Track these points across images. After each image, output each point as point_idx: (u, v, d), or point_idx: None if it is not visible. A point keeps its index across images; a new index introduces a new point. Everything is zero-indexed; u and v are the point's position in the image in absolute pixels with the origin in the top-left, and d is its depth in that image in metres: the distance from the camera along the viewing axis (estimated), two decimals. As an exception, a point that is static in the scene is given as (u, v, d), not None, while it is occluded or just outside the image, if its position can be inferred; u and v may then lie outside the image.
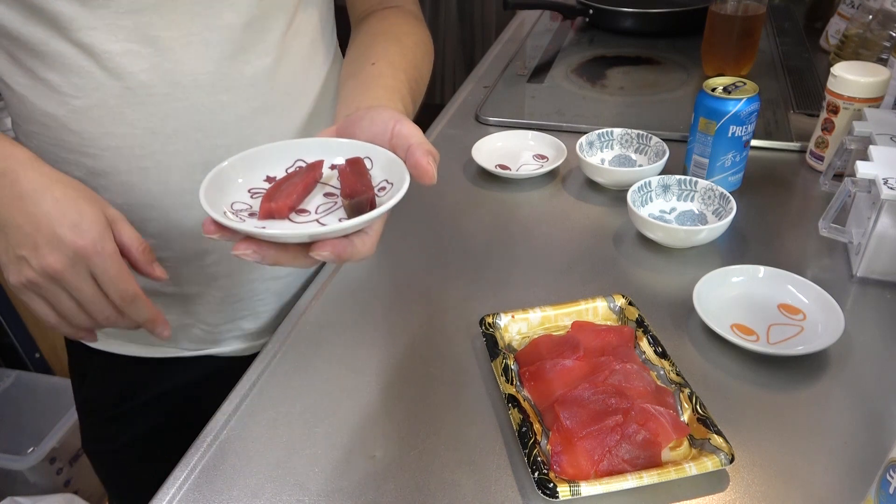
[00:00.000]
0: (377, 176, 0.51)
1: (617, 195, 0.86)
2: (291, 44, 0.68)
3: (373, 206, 0.47)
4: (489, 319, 0.64)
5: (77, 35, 0.57)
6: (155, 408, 0.82)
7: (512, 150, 0.95)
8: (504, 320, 0.64)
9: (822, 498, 0.51)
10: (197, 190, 0.46)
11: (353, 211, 0.47)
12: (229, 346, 0.80)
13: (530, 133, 0.97)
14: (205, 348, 0.79)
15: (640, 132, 0.90)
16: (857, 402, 0.58)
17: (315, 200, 0.51)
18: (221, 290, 0.74)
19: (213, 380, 0.72)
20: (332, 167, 0.53)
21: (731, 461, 0.50)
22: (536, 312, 0.65)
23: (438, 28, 2.54)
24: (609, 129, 0.92)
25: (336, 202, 0.50)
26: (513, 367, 0.60)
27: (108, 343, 0.79)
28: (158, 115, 0.61)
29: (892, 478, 0.43)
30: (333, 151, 0.53)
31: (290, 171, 0.52)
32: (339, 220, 0.48)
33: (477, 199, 0.87)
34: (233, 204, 0.49)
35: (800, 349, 0.61)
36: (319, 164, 0.52)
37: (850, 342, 0.63)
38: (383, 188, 0.50)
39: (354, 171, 0.50)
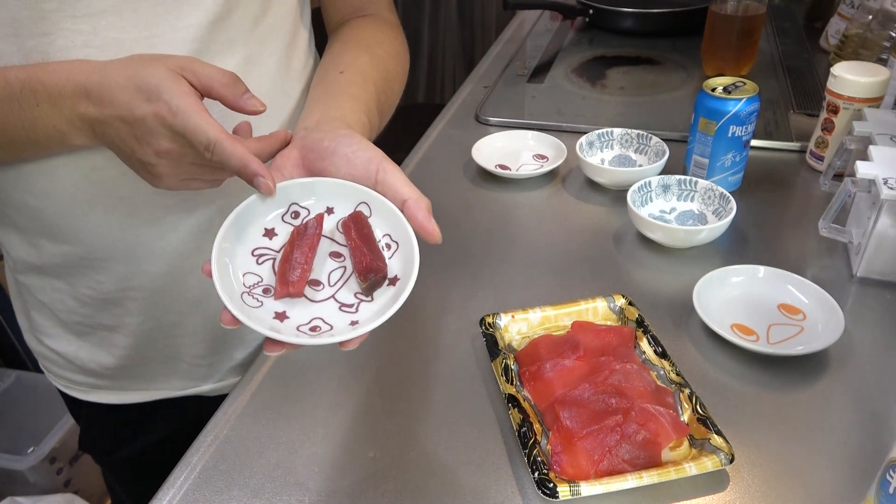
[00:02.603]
0: (378, 228, 0.50)
1: (617, 195, 0.86)
2: (264, 43, 0.65)
3: (385, 277, 0.48)
4: (489, 319, 0.64)
5: (29, 41, 0.53)
6: (153, 455, 0.80)
7: (512, 150, 0.95)
8: (504, 320, 0.64)
9: (822, 498, 0.51)
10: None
11: (370, 290, 0.48)
12: (222, 381, 0.78)
13: (530, 133, 0.97)
14: (195, 385, 0.77)
15: (640, 132, 0.90)
16: (857, 402, 0.58)
17: (325, 265, 0.50)
18: (203, 316, 0.71)
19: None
20: (329, 210, 0.52)
21: (731, 461, 0.50)
22: (536, 312, 0.65)
23: (438, 28, 2.54)
24: (609, 129, 0.92)
25: (345, 267, 0.50)
26: (513, 367, 0.60)
27: (91, 393, 0.77)
28: None
29: (892, 478, 0.43)
30: (330, 194, 0.52)
31: (284, 217, 0.51)
32: (355, 294, 0.48)
33: (477, 199, 0.87)
34: (245, 276, 0.48)
35: (800, 349, 0.61)
36: (321, 220, 0.51)
37: (850, 342, 0.63)
38: (388, 245, 0.50)
39: (361, 235, 0.49)
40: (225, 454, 0.56)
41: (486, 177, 0.91)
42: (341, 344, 0.44)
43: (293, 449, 0.56)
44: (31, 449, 1.43)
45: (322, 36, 0.76)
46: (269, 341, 0.44)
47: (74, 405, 0.80)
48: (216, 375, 0.78)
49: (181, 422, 0.78)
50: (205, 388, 0.78)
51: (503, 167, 0.91)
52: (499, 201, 0.87)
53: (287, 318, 0.47)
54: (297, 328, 0.46)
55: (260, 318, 0.46)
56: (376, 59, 0.67)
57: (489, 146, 0.94)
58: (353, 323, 0.46)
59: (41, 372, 0.81)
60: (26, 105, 0.50)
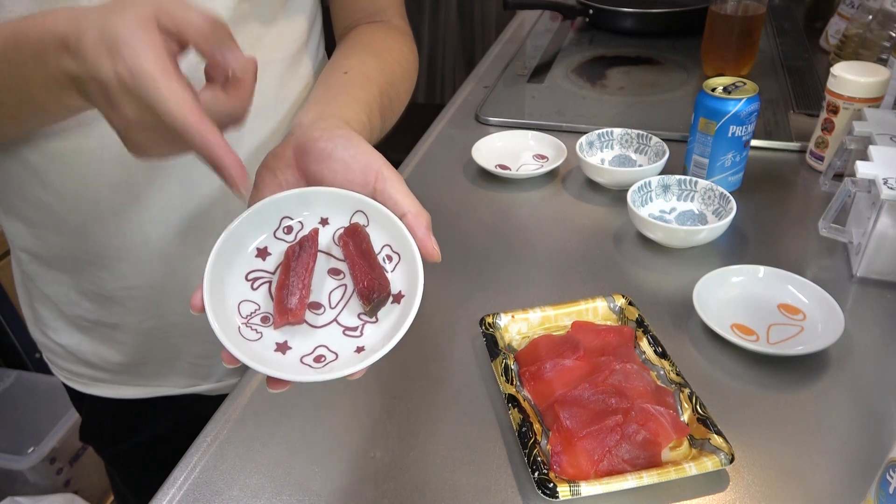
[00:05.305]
0: (377, 238, 0.47)
1: (617, 195, 0.86)
2: (273, 49, 0.65)
3: (389, 295, 0.45)
4: (489, 319, 0.64)
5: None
6: (154, 449, 0.80)
7: (512, 150, 0.95)
8: (504, 320, 0.64)
9: (821, 498, 0.51)
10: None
11: (374, 310, 0.45)
12: (222, 381, 0.78)
13: (530, 133, 0.97)
14: (195, 384, 0.77)
15: (640, 132, 0.90)
16: (857, 402, 0.58)
17: (325, 284, 0.47)
18: (203, 317, 0.70)
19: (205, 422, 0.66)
20: (323, 221, 0.49)
21: (731, 461, 0.50)
22: (536, 312, 0.65)
23: (438, 28, 2.54)
24: (609, 129, 0.92)
25: (346, 285, 0.47)
26: (513, 367, 0.60)
27: (92, 386, 0.77)
28: None
29: (892, 478, 0.43)
30: (323, 204, 0.48)
31: (276, 234, 0.48)
32: (359, 315, 0.45)
33: (477, 199, 0.87)
34: (240, 305, 0.45)
35: (800, 349, 0.61)
36: (315, 236, 0.47)
37: (850, 342, 0.63)
38: (389, 258, 0.47)
39: (360, 251, 0.46)
40: (225, 454, 0.56)
41: (486, 177, 0.91)
42: (349, 375, 0.42)
43: (293, 449, 0.56)
44: (31, 449, 1.43)
45: (330, 38, 0.76)
46: (272, 379, 0.41)
47: (76, 396, 0.81)
48: (216, 375, 0.78)
49: (181, 418, 0.78)
50: (205, 387, 0.78)
51: (503, 167, 0.91)
52: (499, 201, 0.87)
53: (289, 348, 0.44)
54: (301, 359, 0.43)
55: (261, 354, 0.42)
56: (383, 64, 0.66)
57: (489, 146, 0.94)
58: (360, 349, 0.43)
59: (41, 372, 0.81)
60: (14, 65, 0.44)
